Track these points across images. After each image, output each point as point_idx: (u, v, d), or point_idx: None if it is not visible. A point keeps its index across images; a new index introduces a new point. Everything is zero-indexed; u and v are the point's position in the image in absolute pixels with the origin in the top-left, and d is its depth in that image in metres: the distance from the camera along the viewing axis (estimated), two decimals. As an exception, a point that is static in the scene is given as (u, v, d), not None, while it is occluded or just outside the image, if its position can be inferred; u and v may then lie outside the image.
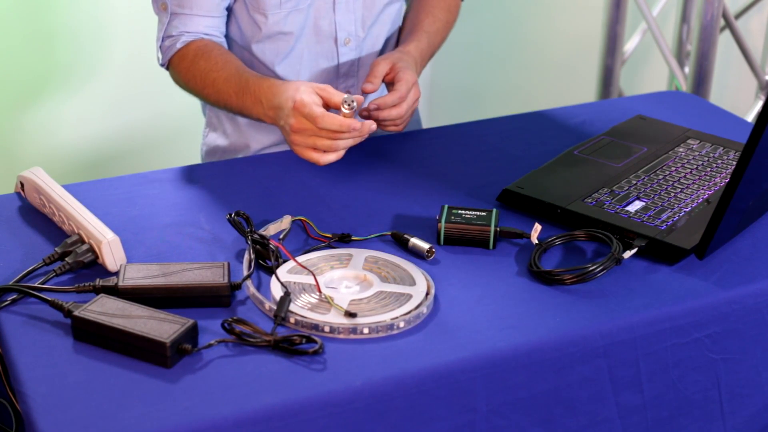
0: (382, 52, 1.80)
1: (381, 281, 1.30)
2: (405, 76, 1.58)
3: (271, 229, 1.40)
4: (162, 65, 1.69)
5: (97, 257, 1.32)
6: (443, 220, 1.40)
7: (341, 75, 1.76)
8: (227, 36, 1.74)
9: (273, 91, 1.50)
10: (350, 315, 1.22)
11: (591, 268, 1.31)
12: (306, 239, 1.41)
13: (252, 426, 1.09)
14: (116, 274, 1.29)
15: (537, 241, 1.37)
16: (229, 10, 1.70)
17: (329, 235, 1.40)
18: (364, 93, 1.58)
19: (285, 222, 1.42)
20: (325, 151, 1.46)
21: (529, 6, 3.12)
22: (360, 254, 1.35)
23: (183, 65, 1.64)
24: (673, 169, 1.57)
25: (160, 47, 1.67)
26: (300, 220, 1.42)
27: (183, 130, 2.77)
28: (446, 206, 1.43)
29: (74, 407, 1.09)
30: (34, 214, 1.47)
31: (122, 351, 1.17)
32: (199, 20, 1.64)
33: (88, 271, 1.33)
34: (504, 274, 1.34)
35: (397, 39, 1.83)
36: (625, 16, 2.80)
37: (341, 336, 1.20)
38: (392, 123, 1.59)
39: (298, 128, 1.44)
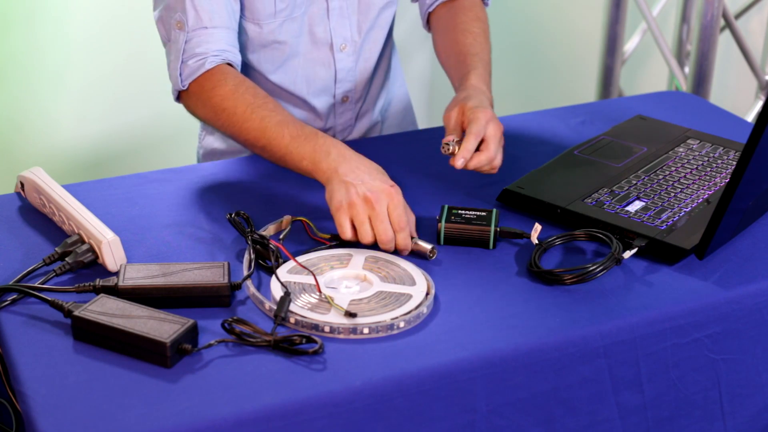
0: (381, 56, 1.79)
1: (381, 281, 1.30)
2: (477, 115, 1.47)
3: (271, 229, 1.40)
4: (182, 87, 1.57)
5: (97, 257, 1.32)
6: (443, 220, 1.40)
7: (338, 81, 1.75)
8: None
9: (355, 154, 1.42)
10: (350, 315, 1.22)
11: (591, 268, 1.31)
12: (307, 239, 1.41)
13: (252, 426, 1.09)
14: (116, 274, 1.29)
15: (537, 241, 1.37)
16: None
17: (328, 236, 1.40)
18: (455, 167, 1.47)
19: (285, 222, 1.42)
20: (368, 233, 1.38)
21: (528, 6, 3.12)
22: (360, 254, 1.35)
23: (220, 90, 1.53)
24: (673, 169, 1.57)
25: (180, 68, 1.57)
26: (300, 220, 1.42)
27: (183, 130, 2.77)
28: (446, 206, 1.43)
29: (74, 407, 1.09)
30: (34, 214, 1.47)
31: (122, 351, 1.17)
32: (219, 34, 1.57)
33: (88, 271, 1.33)
34: (504, 274, 1.34)
35: (391, 49, 1.82)
36: (625, 16, 2.81)
37: (341, 336, 1.20)
38: (487, 167, 1.49)
39: (376, 199, 1.35)
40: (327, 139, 1.45)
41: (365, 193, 1.36)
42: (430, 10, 1.78)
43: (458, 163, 1.45)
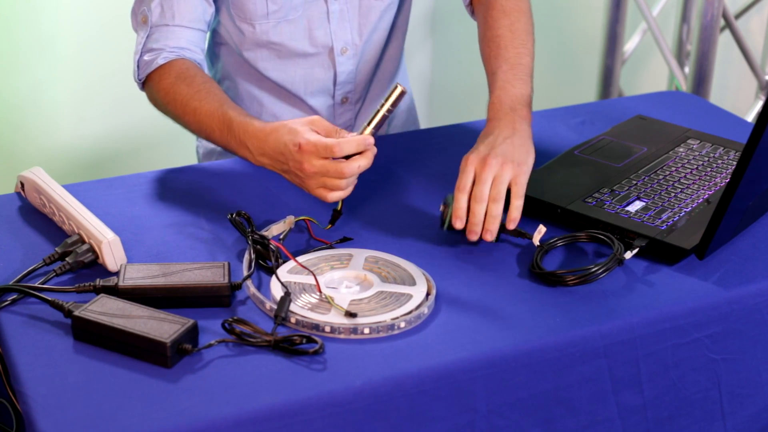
0: (380, 57, 1.78)
1: (381, 281, 1.30)
2: (463, 166, 1.39)
3: (273, 230, 1.40)
4: (139, 80, 1.61)
5: (97, 257, 1.32)
6: (451, 207, 1.38)
7: (338, 83, 1.74)
8: (220, 42, 1.73)
9: (261, 137, 1.40)
10: (350, 315, 1.22)
11: (593, 269, 1.31)
12: (308, 239, 1.41)
13: (252, 426, 1.09)
14: (116, 274, 1.29)
15: (539, 243, 1.37)
16: (217, 15, 1.69)
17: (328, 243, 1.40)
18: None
19: (288, 222, 1.42)
20: (332, 190, 1.37)
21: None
22: (360, 254, 1.35)
23: (163, 84, 1.56)
24: (673, 169, 1.57)
25: (138, 62, 1.60)
26: (303, 220, 1.42)
27: (183, 129, 2.77)
28: (452, 195, 1.41)
29: (74, 407, 1.09)
30: (34, 214, 1.47)
31: (122, 351, 1.17)
32: (181, 33, 1.58)
33: (88, 271, 1.33)
34: (505, 274, 1.34)
35: (398, 51, 1.82)
36: (625, 16, 2.81)
37: (342, 336, 1.20)
38: (484, 229, 1.37)
39: (312, 171, 1.34)
40: (240, 127, 1.44)
41: (307, 182, 1.36)
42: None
43: (456, 224, 1.37)
